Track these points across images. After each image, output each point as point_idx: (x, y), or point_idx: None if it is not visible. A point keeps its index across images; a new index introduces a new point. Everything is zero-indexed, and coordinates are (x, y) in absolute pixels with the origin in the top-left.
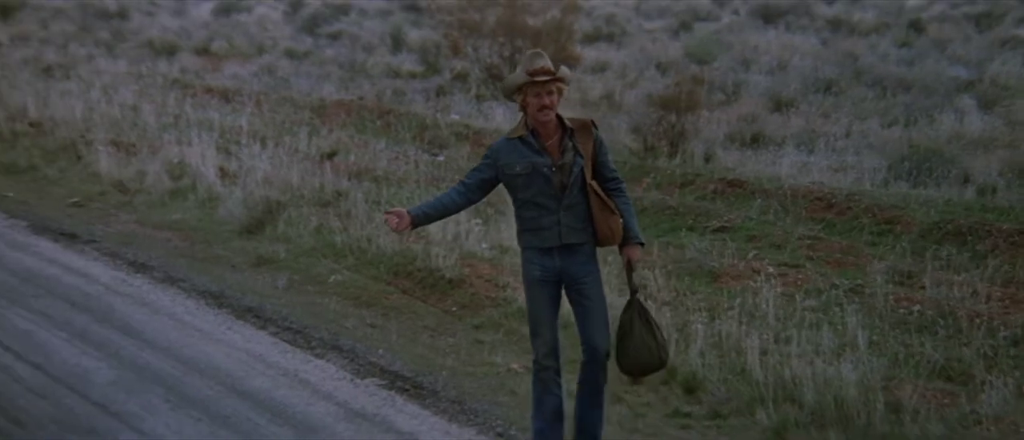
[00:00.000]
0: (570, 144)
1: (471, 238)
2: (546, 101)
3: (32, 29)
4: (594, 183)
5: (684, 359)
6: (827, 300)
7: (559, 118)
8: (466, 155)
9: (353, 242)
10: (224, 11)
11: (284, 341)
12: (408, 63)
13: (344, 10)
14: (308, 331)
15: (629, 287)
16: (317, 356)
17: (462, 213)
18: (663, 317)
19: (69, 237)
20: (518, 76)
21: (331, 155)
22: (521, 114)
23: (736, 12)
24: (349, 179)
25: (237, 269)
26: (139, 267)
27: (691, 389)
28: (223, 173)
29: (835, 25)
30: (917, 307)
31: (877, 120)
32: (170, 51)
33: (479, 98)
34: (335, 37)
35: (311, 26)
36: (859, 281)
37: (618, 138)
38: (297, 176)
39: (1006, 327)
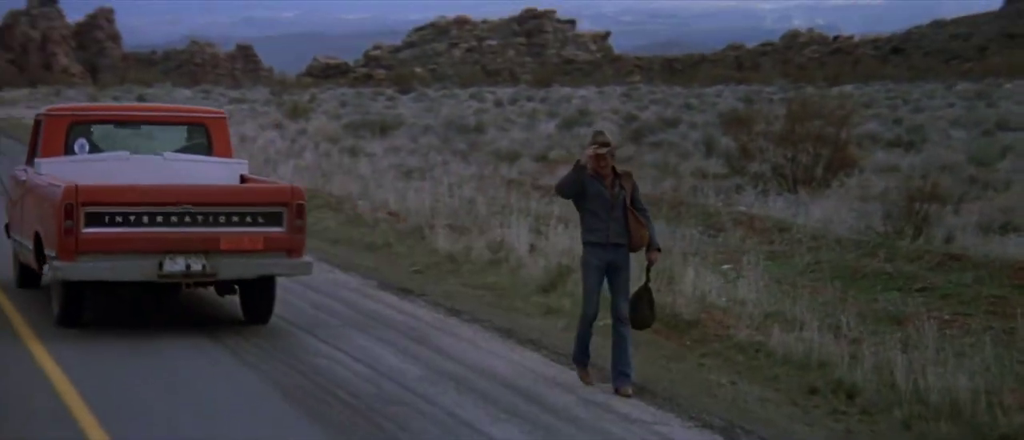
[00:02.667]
0: (618, 182)
1: (713, 291)
2: (602, 162)
3: (403, 143)
4: (631, 207)
5: (850, 374)
6: (979, 338)
7: (613, 168)
8: (740, 236)
9: None
10: (566, 126)
11: (551, 360)
12: (715, 166)
13: (674, 123)
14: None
15: (646, 277)
16: (567, 364)
17: (708, 269)
18: (842, 347)
19: (405, 292)
20: (589, 149)
21: None
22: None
23: None
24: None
25: (529, 316)
26: (453, 312)
27: (851, 395)
28: (532, 248)
29: None
30: None
31: None
32: (513, 158)
33: (764, 193)
34: (657, 145)
35: (637, 136)
36: (1014, 326)
37: (869, 222)
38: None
39: None
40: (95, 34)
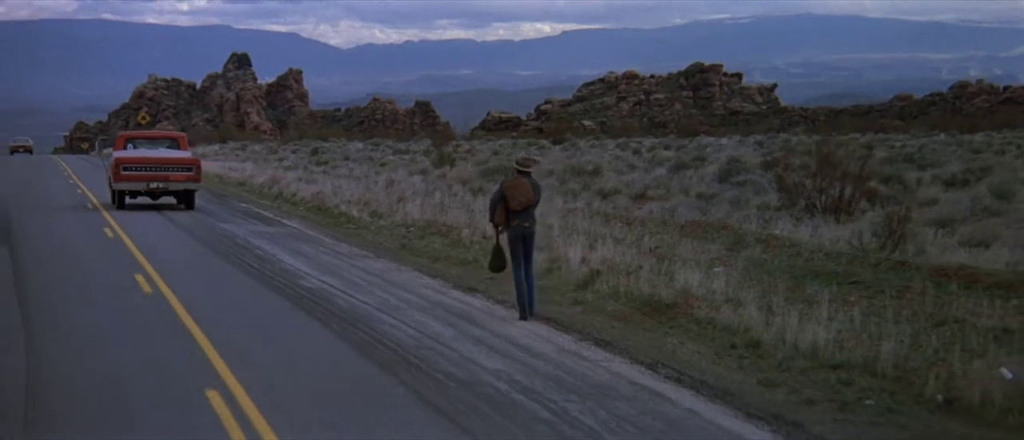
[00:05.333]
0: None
1: (695, 283)
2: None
3: None
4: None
5: (761, 335)
6: (859, 311)
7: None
8: (760, 251)
9: (631, 290)
10: (675, 169)
11: (557, 330)
12: (776, 200)
13: (772, 166)
14: (573, 326)
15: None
16: (565, 332)
17: (697, 264)
18: (763, 318)
19: (472, 290)
20: (521, 162)
21: (655, 248)
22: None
23: None
24: (655, 260)
25: (559, 304)
26: (501, 302)
27: (755, 347)
28: (583, 259)
29: None
30: (911, 309)
31: None
32: (612, 194)
33: (798, 219)
34: (742, 183)
35: (723, 177)
36: (896, 303)
37: (862, 240)
38: (617, 256)
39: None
40: (285, 94)
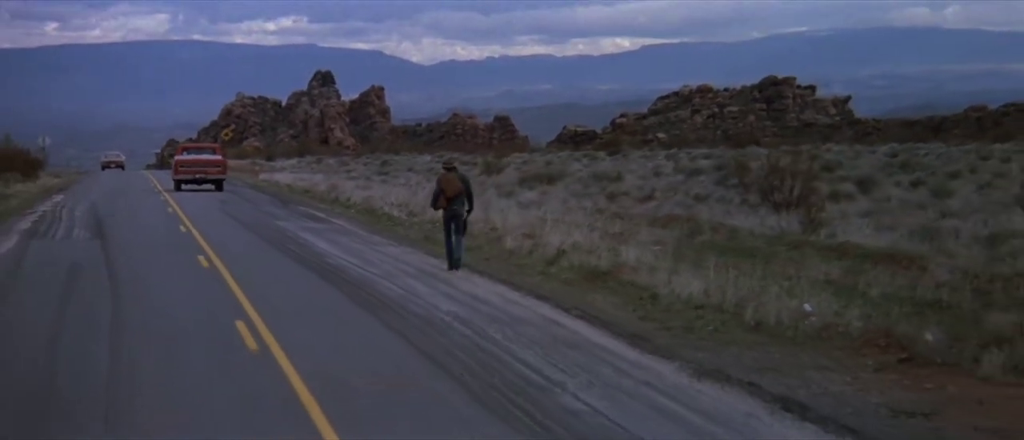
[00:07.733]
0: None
1: (633, 257)
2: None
3: (555, 189)
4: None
5: (662, 288)
6: (735, 272)
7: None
8: (709, 236)
9: (582, 263)
10: (689, 175)
11: (512, 290)
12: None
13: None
14: (525, 287)
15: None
16: (516, 291)
17: (643, 245)
18: (663, 277)
19: (462, 265)
20: (445, 163)
21: (619, 234)
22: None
23: None
24: (613, 241)
25: (528, 275)
26: (482, 274)
27: (654, 298)
28: (560, 244)
29: None
30: (773, 271)
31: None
32: (619, 196)
33: (754, 212)
34: (734, 186)
35: (721, 181)
36: (765, 266)
37: (787, 227)
38: (586, 240)
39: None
40: (367, 110)
